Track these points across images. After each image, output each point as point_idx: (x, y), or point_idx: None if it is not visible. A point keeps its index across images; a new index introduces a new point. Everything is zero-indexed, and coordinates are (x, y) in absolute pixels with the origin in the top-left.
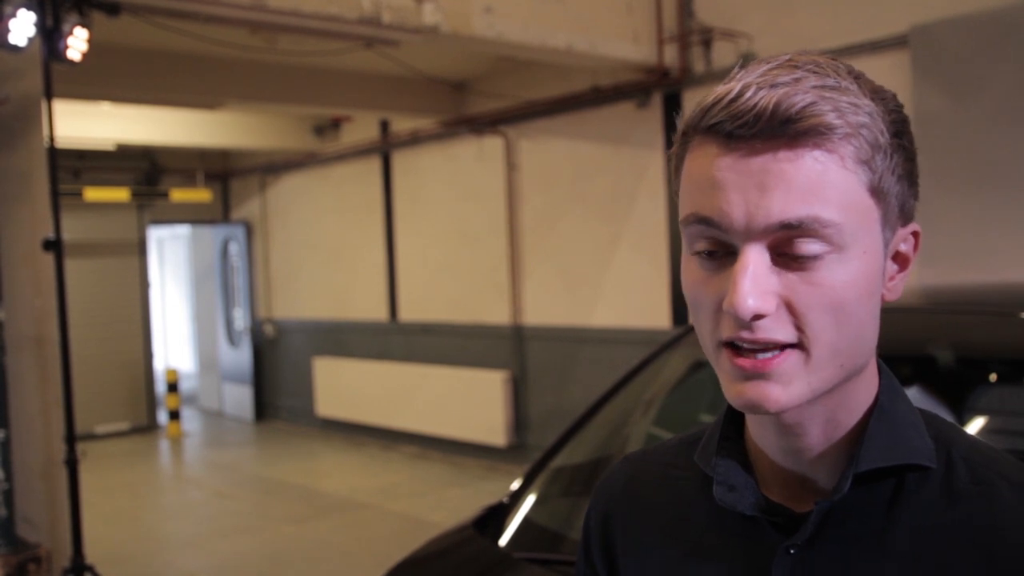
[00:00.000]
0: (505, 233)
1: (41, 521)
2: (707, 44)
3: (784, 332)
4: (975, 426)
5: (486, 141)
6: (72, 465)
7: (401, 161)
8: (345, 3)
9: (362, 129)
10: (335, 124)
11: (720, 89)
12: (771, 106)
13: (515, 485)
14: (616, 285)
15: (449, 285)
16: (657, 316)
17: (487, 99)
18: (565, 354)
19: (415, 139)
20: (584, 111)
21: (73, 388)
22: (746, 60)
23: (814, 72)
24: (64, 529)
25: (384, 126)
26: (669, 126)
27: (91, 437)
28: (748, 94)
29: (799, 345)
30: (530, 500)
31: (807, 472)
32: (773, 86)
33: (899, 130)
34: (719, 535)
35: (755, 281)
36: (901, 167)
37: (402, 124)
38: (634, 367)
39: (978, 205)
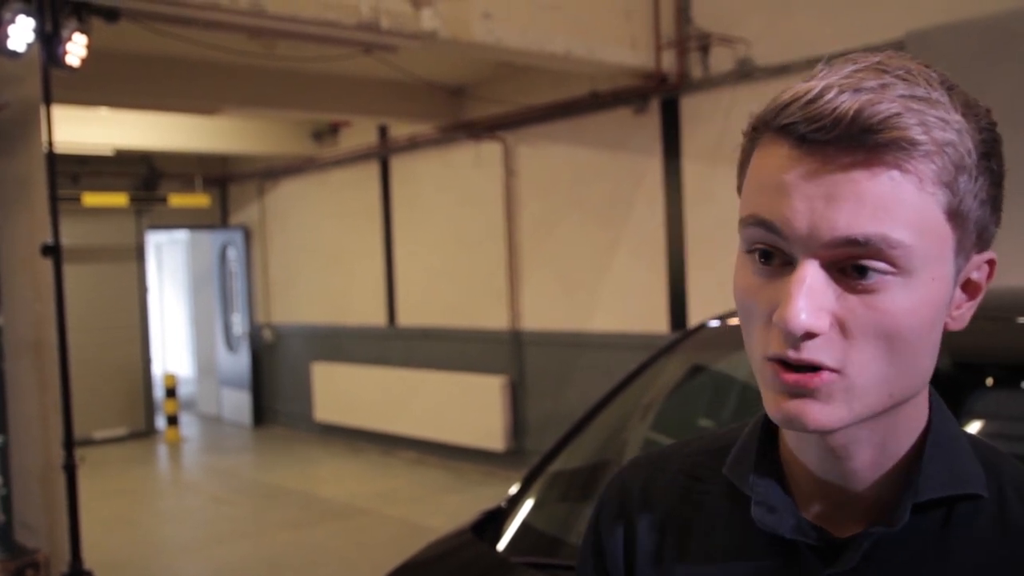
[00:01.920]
0: (503, 238)
1: (39, 526)
2: (705, 50)
3: (832, 356)
4: (973, 431)
5: (484, 146)
6: (70, 470)
7: (399, 166)
8: (343, 9)
9: (360, 134)
10: (333, 129)
11: (799, 87)
12: (852, 112)
13: (513, 490)
14: (614, 290)
15: (447, 290)
16: (655, 321)
17: (485, 104)
18: (563, 359)
19: (413, 144)
20: (582, 117)
21: (71, 393)
22: (744, 66)
23: (903, 79)
24: (62, 534)
25: (382, 131)
26: (667, 132)
27: (89, 442)
28: (829, 96)
29: (841, 370)
30: (528, 505)
31: (852, 494)
32: (857, 90)
33: (989, 151)
34: (750, 556)
35: (811, 296)
36: (985, 191)
37: (400, 129)
38: (632, 372)
39: None
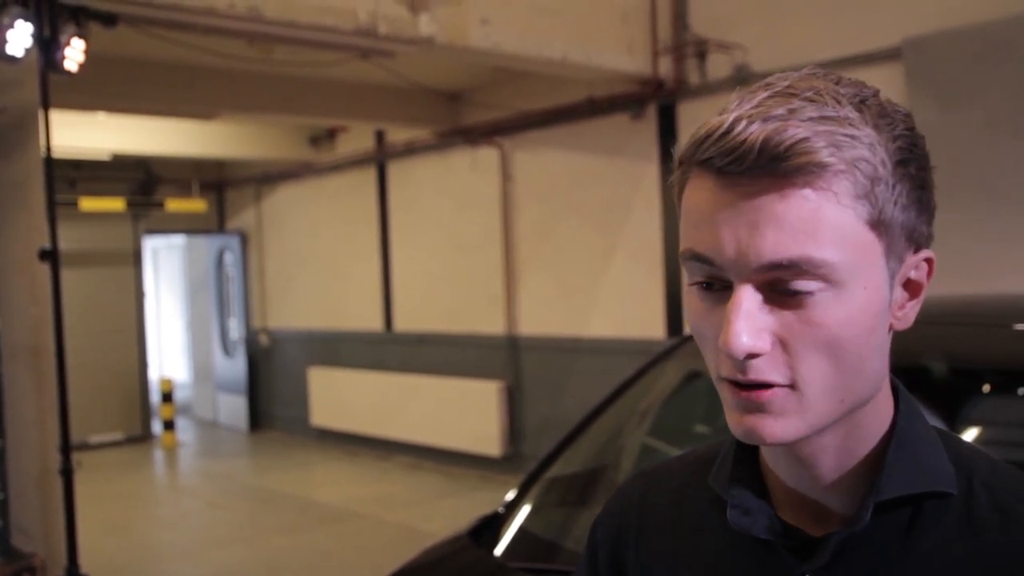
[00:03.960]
0: (500, 243)
1: (36, 531)
2: (702, 56)
3: (778, 373)
4: (969, 438)
5: (481, 152)
6: (67, 475)
7: (396, 171)
8: (341, 14)
9: (357, 139)
10: (330, 134)
11: (713, 121)
12: (759, 142)
13: (510, 495)
14: (611, 295)
15: (444, 295)
16: (652, 326)
17: (482, 110)
18: (560, 364)
19: (410, 149)
20: (579, 122)
21: (68, 397)
22: (740, 72)
23: (811, 101)
24: (59, 539)
25: (379, 136)
26: (664, 137)
27: (85, 447)
28: (738, 128)
29: (792, 386)
30: (525, 510)
31: (822, 498)
32: (765, 120)
33: (905, 158)
34: (733, 559)
35: (748, 319)
36: (907, 196)
37: (397, 134)
38: (629, 377)
39: (971, 216)
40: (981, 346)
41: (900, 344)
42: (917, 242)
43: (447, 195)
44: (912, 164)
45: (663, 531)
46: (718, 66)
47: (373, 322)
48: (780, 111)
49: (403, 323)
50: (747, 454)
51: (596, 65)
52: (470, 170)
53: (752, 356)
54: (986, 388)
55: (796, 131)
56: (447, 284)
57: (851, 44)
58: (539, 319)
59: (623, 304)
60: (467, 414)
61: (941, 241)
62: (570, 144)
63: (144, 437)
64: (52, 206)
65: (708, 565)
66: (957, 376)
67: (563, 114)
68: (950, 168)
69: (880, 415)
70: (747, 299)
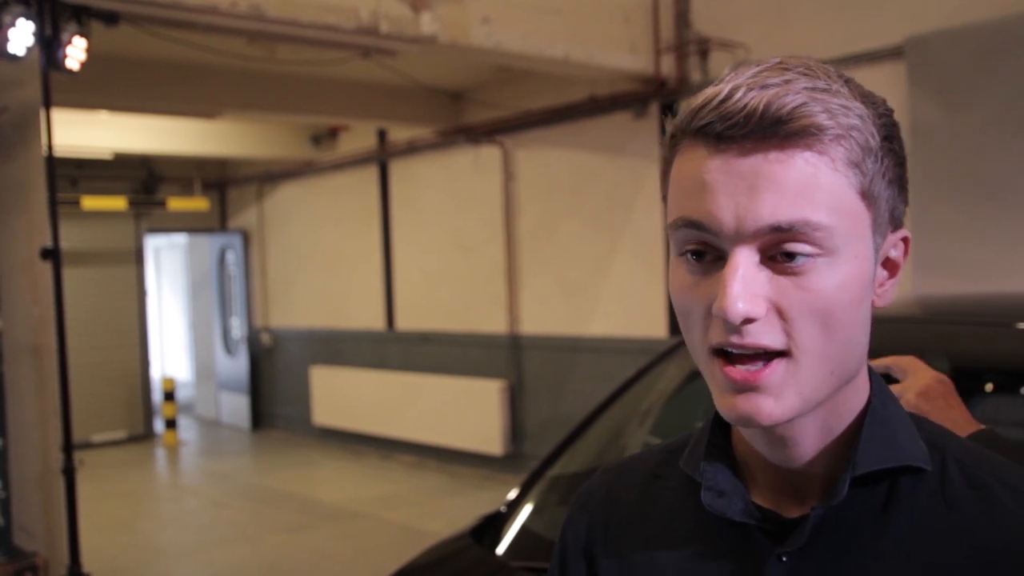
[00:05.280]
0: (502, 242)
1: (38, 530)
2: (704, 54)
3: (773, 337)
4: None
5: (483, 150)
6: (69, 474)
7: (398, 170)
8: (343, 13)
9: (359, 138)
10: (332, 133)
11: (709, 90)
12: (761, 106)
13: (512, 494)
14: (613, 294)
15: (446, 294)
16: (654, 326)
17: (484, 109)
18: (562, 363)
19: (412, 148)
20: (581, 121)
21: (70, 397)
22: (737, 66)
23: (804, 74)
24: (61, 538)
25: (381, 135)
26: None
27: (87, 446)
28: (738, 95)
29: (787, 353)
30: (527, 509)
31: (799, 476)
32: (763, 87)
33: (889, 134)
34: (706, 543)
35: (745, 284)
36: (891, 171)
37: (399, 133)
38: (631, 377)
39: (972, 215)
40: (982, 346)
41: (901, 344)
42: (897, 220)
43: (449, 194)
44: (895, 142)
45: (632, 522)
46: (720, 65)
47: (375, 321)
48: (776, 80)
49: (405, 322)
50: (720, 438)
51: (598, 64)
52: (472, 169)
53: (748, 321)
54: (987, 388)
55: (795, 97)
56: (449, 283)
57: (853, 43)
58: (541, 318)
59: (625, 303)
60: (469, 413)
61: (942, 240)
62: (572, 143)
63: (146, 436)
64: (54, 205)
65: (678, 552)
66: (958, 376)
67: (565, 113)
68: (952, 167)
69: (859, 394)
70: (744, 263)
